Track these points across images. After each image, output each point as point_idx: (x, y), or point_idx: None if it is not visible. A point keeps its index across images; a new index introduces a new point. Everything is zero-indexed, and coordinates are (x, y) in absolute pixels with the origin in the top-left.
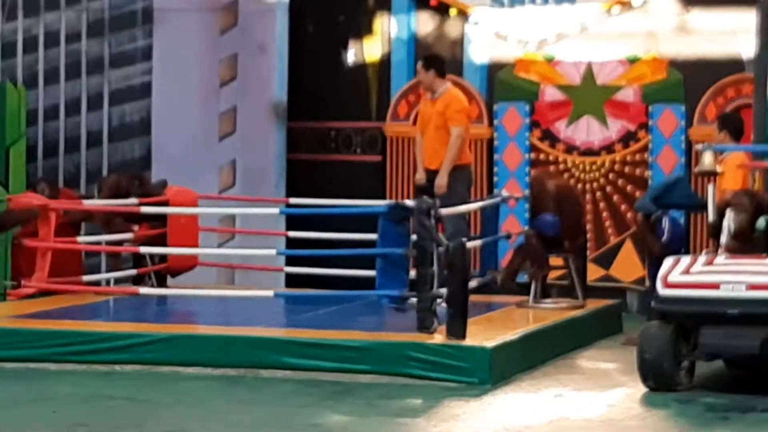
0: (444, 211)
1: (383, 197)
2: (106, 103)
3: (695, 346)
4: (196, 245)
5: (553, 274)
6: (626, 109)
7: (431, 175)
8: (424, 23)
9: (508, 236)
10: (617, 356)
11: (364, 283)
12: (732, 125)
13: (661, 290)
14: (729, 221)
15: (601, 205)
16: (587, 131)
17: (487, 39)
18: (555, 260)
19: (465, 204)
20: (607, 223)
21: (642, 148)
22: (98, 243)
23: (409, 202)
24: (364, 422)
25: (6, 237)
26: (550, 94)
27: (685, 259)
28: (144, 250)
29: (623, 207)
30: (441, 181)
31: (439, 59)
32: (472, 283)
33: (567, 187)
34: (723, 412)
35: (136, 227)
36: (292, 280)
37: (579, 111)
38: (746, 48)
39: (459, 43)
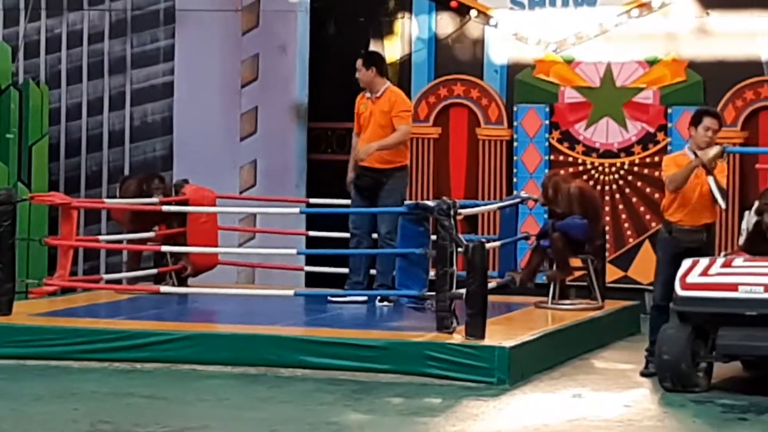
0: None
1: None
2: (128, 102)
3: (713, 348)
4: (215, 245)
5: (571, 276)
6: (645, 111)
7: (372, 173)
8: (445, 25)
9: (527, 237)
10: (635, 357)
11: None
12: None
13: (680, 291)
14: (747, 223)
15: (620, 206)
16: (606, 133)
17: (507, 40)
18: (574, 261)
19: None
20: (626, 225)
21: (661, 149)
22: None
23: (429, 203)
24: (383, 421)
25: (28, 236)
26: (570, 95)
27: (704, 261)
28: (165, 249)
29: (642, 209)
30: (369, 150)
31: (379, 57)
32: (491, 284)
33: (587, 189)
34: (740, 414)
35: (156, 227)
36: (311, 279)
37: (598, 113)
38: (765, 50)
39: (479, 45)
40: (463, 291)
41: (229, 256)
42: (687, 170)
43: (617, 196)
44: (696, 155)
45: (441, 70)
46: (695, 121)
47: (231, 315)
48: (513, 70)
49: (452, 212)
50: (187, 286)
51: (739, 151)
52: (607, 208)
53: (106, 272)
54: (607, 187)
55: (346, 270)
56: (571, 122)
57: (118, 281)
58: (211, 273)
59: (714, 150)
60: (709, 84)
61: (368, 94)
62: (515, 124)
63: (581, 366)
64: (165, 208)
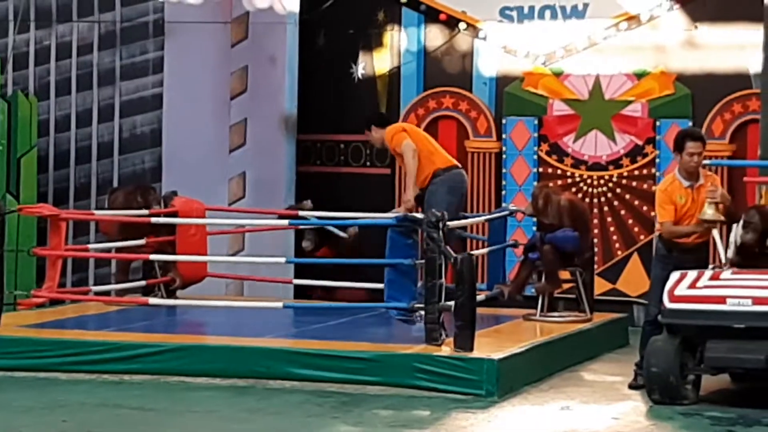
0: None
1: (392, 209)
2: (117, 114)
3: (701, 360)
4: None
5: (560, 288)
6: (634, 124)
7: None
8: (434, 37)
9: (515, 245)
10: (624, 369)
11: (372, 294)
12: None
13: (668, 304)
14: (735, 237)
15: (609, 219)
16: (595, 145)
17: (496, 53)
18: (563, 274)
19: (452, 208)
20: (615, 238)
21: (649, 162)
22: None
23: (418, 215)
24: None
25: (16, 248)
26: (558, 108)
27: (692, 274)
28: (154, 257)
29: (630, 221)
30: (406, 195)
31: (372, 116)
32: (480, 296)
33: (577, 201)
34: (728, 426)
35: (144, 240)
36: (300, 292)
37: (587, 125)
38: (753, 63)
39: (468, 57)
40: (451, 303)
41: (217, 269)
42: (687, 231)
43: (606, 208)
44: (687, 179)
45: (430, 82)
46: (678, 147)
47: (220, 327)
48: (502, 82)
49: (441, 224)
50: (176, 298)
51: (722, 163)
52: (595, 221)
53: (95, 284)
54: (595, 200)
55: (334, 282)
56: (560, 135)
57: (107, 293)
58: (200, 285)
59: (708, 208)
60: (698, 97)
61: None
62: (504, 136)
63: (570, 378)
64: (154, 220)
